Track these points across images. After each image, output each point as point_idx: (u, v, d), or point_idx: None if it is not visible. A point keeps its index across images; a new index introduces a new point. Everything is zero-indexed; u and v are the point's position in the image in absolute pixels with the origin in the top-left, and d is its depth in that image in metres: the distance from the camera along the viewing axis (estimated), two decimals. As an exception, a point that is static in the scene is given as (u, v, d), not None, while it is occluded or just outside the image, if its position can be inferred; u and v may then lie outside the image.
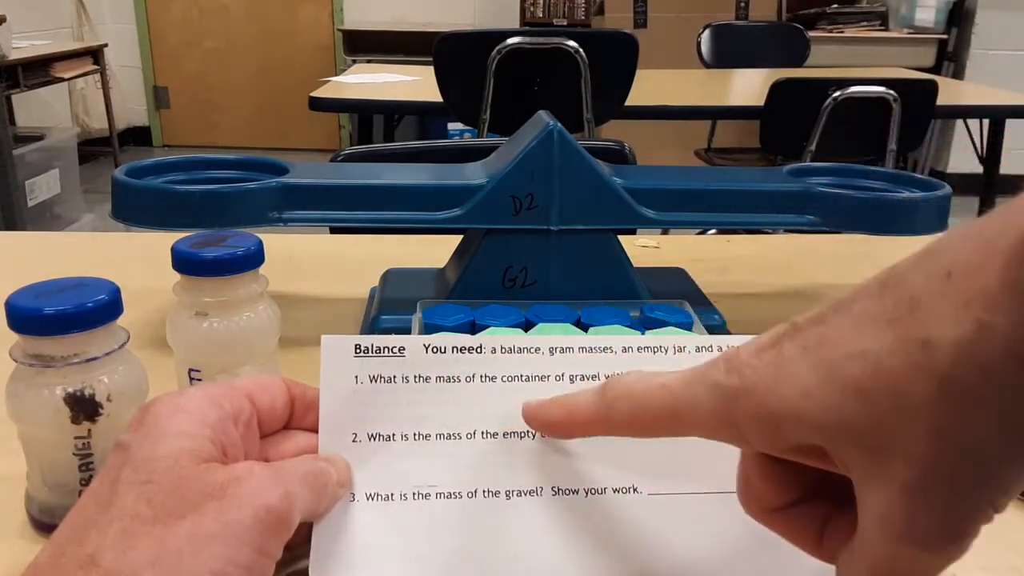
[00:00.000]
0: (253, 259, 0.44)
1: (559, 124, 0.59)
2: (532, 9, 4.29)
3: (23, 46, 3.28)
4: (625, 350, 0.33)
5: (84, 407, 0.37)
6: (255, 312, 0.45)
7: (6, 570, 0.38)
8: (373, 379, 0.32)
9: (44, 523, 0.40)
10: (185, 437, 0.27)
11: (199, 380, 0.45)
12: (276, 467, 0.28)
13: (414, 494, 0.31)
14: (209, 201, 0.57)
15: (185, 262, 0.43)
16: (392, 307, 0.62)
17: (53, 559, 0.25)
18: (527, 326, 0.54)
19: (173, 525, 0.25)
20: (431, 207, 0.60)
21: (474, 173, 0.61)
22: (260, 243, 0.44)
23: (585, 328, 0.53)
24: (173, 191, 0.58)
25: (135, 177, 0.59)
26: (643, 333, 0.53)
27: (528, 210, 0.59)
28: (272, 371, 0.47)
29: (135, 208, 0.58)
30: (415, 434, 0.32)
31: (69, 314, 0.36)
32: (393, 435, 0.32)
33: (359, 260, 0.81)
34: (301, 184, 0.59)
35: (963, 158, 3.67)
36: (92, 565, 0.24)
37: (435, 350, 0.32)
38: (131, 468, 0.27)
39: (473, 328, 0.54)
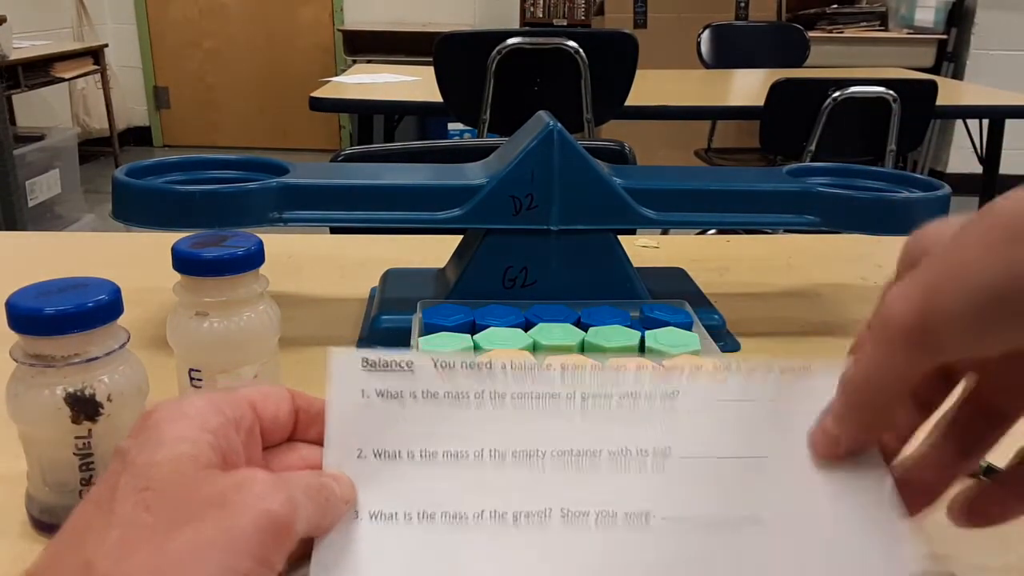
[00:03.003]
0: (253, 259, 0.44)
1: (559, 124, 0.59)
2: (532, 9, 4.29)
3: (24, 46, 3.28)
4: (639, 368, 0.32)
5: (84, 407, 0.37)
6: (255, 312, 0.45)
7: (6, 570, 0.38)
8: (380, 394, 0.31)
9: (45, 523, 0.40)
10: (185, 442, 0.27)
11: (199, 380, 0.45)
12: (279, 475, 0.28)
13: (419, 514, 0.30)
14: (209, 201, 0.57)
15: (185, 262, 0.43)
16: (392, 307, 0.62)
17: (51, 564, 0.25)
18: (527, 326, 0.54)
19: (173, 532, 0.25)
20: (431, 207, 0.60)
21: (474, 173, 0.61)
22: (260, 243, 0.44)
23: (585, 328, 0.53)
24: (173, 191, 0.58)
25: (135, 177, 0.59)
26: (643, 333, 0.53)
27: (528, 210, 0.59)
28: (273, 371, 0.47)
29: (135, 208, 0.58)
30: (421, 452, 0.31)
31: (69, 314, 0.36)
32: (399, 452, 0.31)
33: (359, 260, 0.81)
34: (301, 184, 0.59)
35: (963, 158, 3.67)
36: (90, 571, 0.24)
37: (444, 367, 0.31)
38: (130, 474, 0.26)
39: (473, 328, 0.54)
